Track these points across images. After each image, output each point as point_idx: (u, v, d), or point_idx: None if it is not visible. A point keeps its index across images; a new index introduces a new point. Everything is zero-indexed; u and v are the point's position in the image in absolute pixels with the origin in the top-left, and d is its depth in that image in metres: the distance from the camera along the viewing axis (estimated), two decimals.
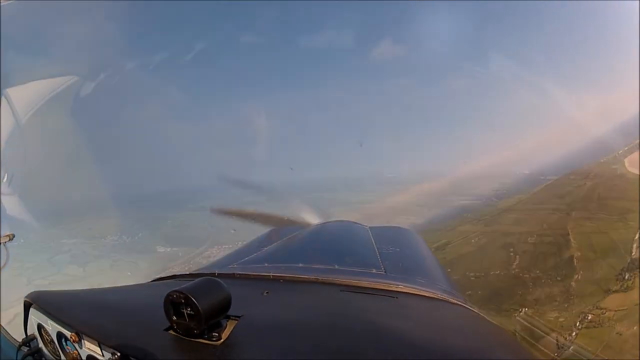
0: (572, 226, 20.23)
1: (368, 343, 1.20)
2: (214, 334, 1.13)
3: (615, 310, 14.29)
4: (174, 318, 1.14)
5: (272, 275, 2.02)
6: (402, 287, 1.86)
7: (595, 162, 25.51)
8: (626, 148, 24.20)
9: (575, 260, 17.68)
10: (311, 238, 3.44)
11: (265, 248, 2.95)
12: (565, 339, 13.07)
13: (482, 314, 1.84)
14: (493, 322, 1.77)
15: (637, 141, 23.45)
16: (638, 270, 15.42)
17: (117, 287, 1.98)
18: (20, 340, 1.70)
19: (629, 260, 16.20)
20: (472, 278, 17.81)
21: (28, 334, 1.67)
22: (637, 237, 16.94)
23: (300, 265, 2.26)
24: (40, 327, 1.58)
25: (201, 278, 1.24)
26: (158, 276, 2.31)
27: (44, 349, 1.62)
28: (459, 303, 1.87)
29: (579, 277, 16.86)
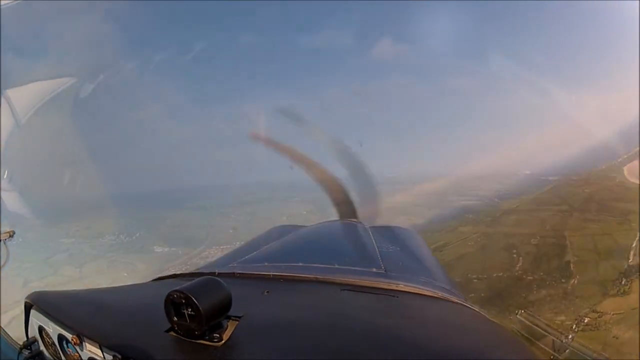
0: (573, 228, 20.21)
1: (369, 342, 1.20)
2: (215, 335, 1.12)
3: (612, 314, 14.34)
4: (175, 319, 1.13)
5: (273, 275, 2.02)
6: (402, 286, 1.86)
7: (595, 170, 25.47)
8: (625, 156, 24.14)
9: (572, 266, 17.69)
10: (311, 237, 3.43)
11: (265, 247, 2.94)
12: (562, 342, 13.10)
13: (482, 313, 1.84)
14: (494, 320, 1.77)
15: (637, 149, 23.34)
16: (638, 274, 15.46)
17: (118, 287, 1.98)
18: (21, 342, 1.69)
19: (626, 266, 16.27)
20: (475, 280, 17.75)
21: (29, 335, 1.66)
22: (634, 244, 16.99)
23: (301, 264, 2.25)
24: (41, 330, 1.57)
25: (201, 277, 1.23)
26: (158, 276, 2.30)
27: (45, 351, 1.61)
28: (459, 302, 1.87)
29: (577, 280, 16.86)
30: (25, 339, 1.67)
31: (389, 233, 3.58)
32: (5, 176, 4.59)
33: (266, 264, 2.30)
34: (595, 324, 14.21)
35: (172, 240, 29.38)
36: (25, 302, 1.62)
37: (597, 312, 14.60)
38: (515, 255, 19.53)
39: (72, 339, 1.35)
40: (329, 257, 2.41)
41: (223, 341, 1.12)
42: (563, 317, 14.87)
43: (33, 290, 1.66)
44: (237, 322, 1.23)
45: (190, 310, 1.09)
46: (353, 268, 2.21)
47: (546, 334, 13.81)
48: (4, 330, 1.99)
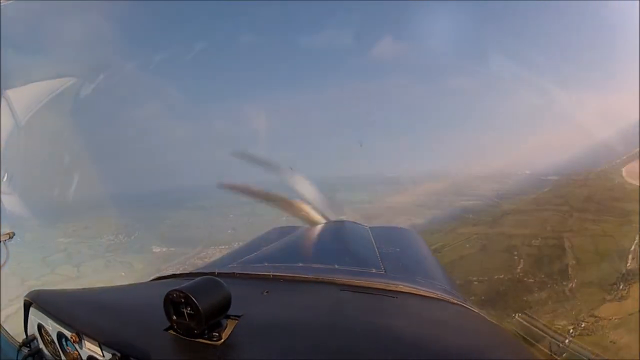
0: (574, 228, 20.18)
1: (368, 343, 1.20)
2: (214, 333, 1.12)
3: (609, 319, 14.33)
4: (174, 318, 1.13)
5: (272, 275, 2.02)
6: (402, 287, 1.86)
7: (593, 170, 25.44)
8: (624, 157, 24.10)
9: (569, 269, 17.67)
10: (311, 238, 3.44)
11: (265, 247, 2.95)
12: (561, 343, 13.10)
13: (482, 314, 1.84)
14: (493, 321, 1.77)
15: (637, 149, 23.29)
16: (639, 279, 15.44)
17: (117, 286, 1.98)
18: (20, 340, 1.69)
19: (624, 271, 16.25)
20: (475, 283, 17.68)
21: (28, 334, 1.67)
22: (632, 247, 16.97)
23: (300, 264, 2.26)
24: (40, 328, 1.58)
25: (201, 277, 1.24)
26: (157, 275, 2.31)
27: (44, 349, 1.61)
28: (459, 303, 1.87)
29: (578, 283, 16.83)
30: (25, 336, 1.68)
31: (388, 233, 3.59)
32: (5, 176, 4.60)
33: (266, 264, 2.30)
34: (593, 328, 14.20)
35: (170, 241, 29.34)
36: (25, 301, 1.62)
37: (595, 317, 14.58)
38: (516, 257, 19.46)
39: (71, 337, 1.35)
40: (329, 258, 2.41)
41: (222, 340, 1.12)
42: (564, 322, 14.82)
43: (29, 289, 1.66)
44: (236, 322, 1.23)
45: (189, 309, 1.09)
46: (353, 268, 2.21)
47: (545, 335, 13.79)
48: (3, 328, 2.00)
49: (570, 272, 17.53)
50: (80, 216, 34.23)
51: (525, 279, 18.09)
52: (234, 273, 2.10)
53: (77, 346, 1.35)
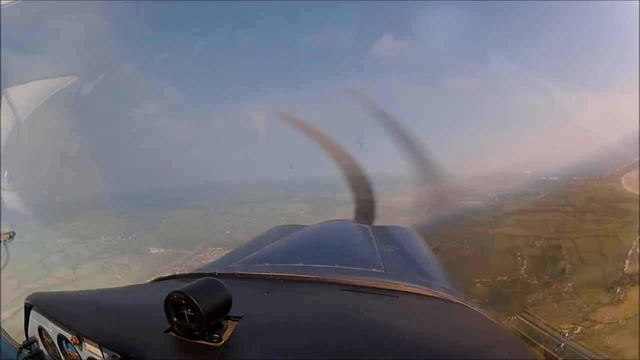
0: (576, 230, 20.11)
1: (369, 342, 1.20)
2: (214, 335, 1.12)
3: (606, 324, 14.29)
4: (175, 319, 1.13)
5: (273, 275, 2.02)
6: (402, 286, 1.86)
7: (593, 177, 25.34)
8: (624, 166, 23.99)
9: (565, 272, 17.61)
10: (311, 237, 3.43)
11: (265, 247, 2.94)
12: (560, 343, 13.08)
13: (482, 313, 1.84)
14: (494, 321, 1.77)
15: (637, 158, 23.13)
16: (639, 283, 15.40)
17: (117, 288, 1.98)
18: (20, 342, 1.69)
19: (620, 275, 16.20)
20: (478, 285, 17.61)
21: (29, 336, 1.67)
22: (630, 252, 16.93)
23: (301, 264, 2.25)
24: (40, 330, 1.58)
25: (202, 278, 1.23)
26: (158, 276, 2.31)
27: (44, 351, 1.61)
28: (460, 302, 1.87)
29: (580, 285, 16.77)
30: (25, 338, 1.67)
31: (389, 233, 3.58)
32: (5, 176, 4.60)
33: (266, 264, 2.30)
34: (588, 332, 14.15)
35: (168, 241, 29.29)
36: (26, 303, 1.63)
37: (591, 321, 14.52)
38: (519, 259, 19.34)
39: (71, 339, 1.35)
40: (329, 257, 2.41)
41: (223, 341, 1.12)
42: (571, 325, 14.72)
43: (26, 292, 1.66)
44: (236, 323, 1.23)
45: (190, 310, 1.09)
46: (353, 268, 2.21)
47: (545, 334, 13.78)
48: (3, 330, 2.00)
49: (567, 275, 17.50)
50: (81, 216, 34.24)
51: (527, 280, 18.02)
52: (234, 274, 2.09)
53: (77, 348, 1.35)
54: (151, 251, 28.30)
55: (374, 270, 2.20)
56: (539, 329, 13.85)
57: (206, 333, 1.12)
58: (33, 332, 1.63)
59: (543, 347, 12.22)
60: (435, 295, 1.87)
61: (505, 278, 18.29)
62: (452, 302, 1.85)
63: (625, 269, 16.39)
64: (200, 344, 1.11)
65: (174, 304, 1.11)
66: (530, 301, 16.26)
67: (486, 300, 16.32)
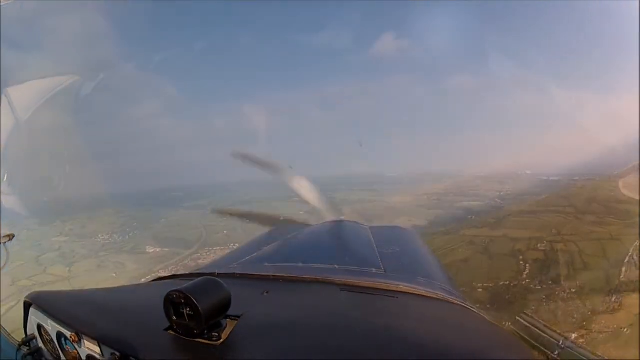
0: (577, 231, 20.05)
1: (368, 343, 1.20)
2: (213, 334, 1.13)
3: (601, 333, 14.23)
4: (174, 318, 1.13)
5: (272, 275, 2.02)
6: (402, 287, 1.86)
7: (594, 178, 25.30)
8: (623, 169, 23.96)
9: (564, 275, 17.53)
10: (311, 238, 3.43)
11: (265, 248, 2.94)
12: (560, 343, 13.05)
13: (482, 314, 1.84)
14: (493, 322, 1.77)
15: (637, 162, 23.10)
16: (639, 291, 15.33)
17: (117, 287, 1.99)
18: (20, 340, 1.70)
19: (617, 283, 16.15)
20: (480, 290, 17.52)
21: (28, 333, 1.67)
22: (626, 260, 16.87)
23: (300, 264, 2.25)
24: (40, 327, 1.58)
25: (201, 278, 1.24)
26: (157, 276, 2.31)
27: (43, 348, 1.62)
28: (460, 303, 1.87)
29: (583, 288, 16.67)
30: (24, 336, 1.68)
31: (389, 233, 3.58)
32: (5, 176, 4.60)
33: (266, 264, 2.31)
34: (583, 341, 14.08)
35: (165, 241, 29.30)
36: (25, 301, 1.63)
37: (587, 329, 14.43)
38: (522, 262, 19.20)
39: (70, 337, 1.36)
40: (329, 258, 2.41)
41: (222, 340, 1.13)
42: (576, 334, 14.61)
43: (20, 288, 1.67)
44: (236, 322, 1.23)
45: (189, 309, 1.09)
46: (353, 268, 2.21)
47: (545, 335, 13.76)
48: (3, 327, 2.00)
49: (562, 281, 17.43)
50: (79, 215, 34.29)
51: (526, 282, 17.94)
52: (233, 273, 2.10)
53: (76, 345, 1.35)
54: (147, 250, 28.32)
55: (374, 270, 2.20)
56: (538, 331, 13.84)
57: (205, 332, 1.12)
58: (32, 329, 1.64)
59: (542, 348, 12.22)
60: (435, 296, 1.86)
61: (507, 282, 18.21)
62: (452, 303, 1.85)
63: (622, 276, 16.34)
64: (199, 342, 1.12)
65: (173, 303, 1.12)
66: (533, 307, 16.15)
67: (488, 306, 16.26)
